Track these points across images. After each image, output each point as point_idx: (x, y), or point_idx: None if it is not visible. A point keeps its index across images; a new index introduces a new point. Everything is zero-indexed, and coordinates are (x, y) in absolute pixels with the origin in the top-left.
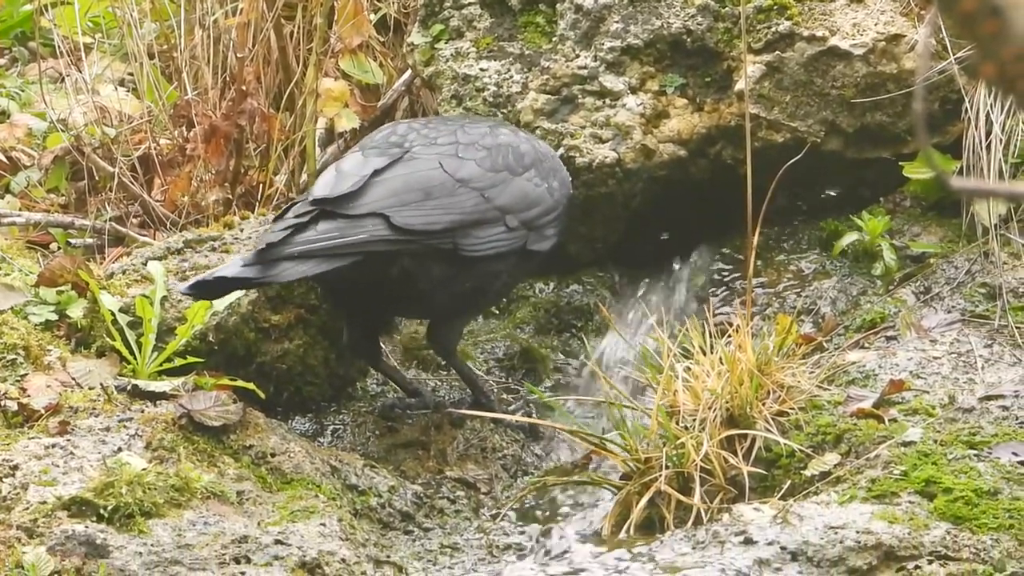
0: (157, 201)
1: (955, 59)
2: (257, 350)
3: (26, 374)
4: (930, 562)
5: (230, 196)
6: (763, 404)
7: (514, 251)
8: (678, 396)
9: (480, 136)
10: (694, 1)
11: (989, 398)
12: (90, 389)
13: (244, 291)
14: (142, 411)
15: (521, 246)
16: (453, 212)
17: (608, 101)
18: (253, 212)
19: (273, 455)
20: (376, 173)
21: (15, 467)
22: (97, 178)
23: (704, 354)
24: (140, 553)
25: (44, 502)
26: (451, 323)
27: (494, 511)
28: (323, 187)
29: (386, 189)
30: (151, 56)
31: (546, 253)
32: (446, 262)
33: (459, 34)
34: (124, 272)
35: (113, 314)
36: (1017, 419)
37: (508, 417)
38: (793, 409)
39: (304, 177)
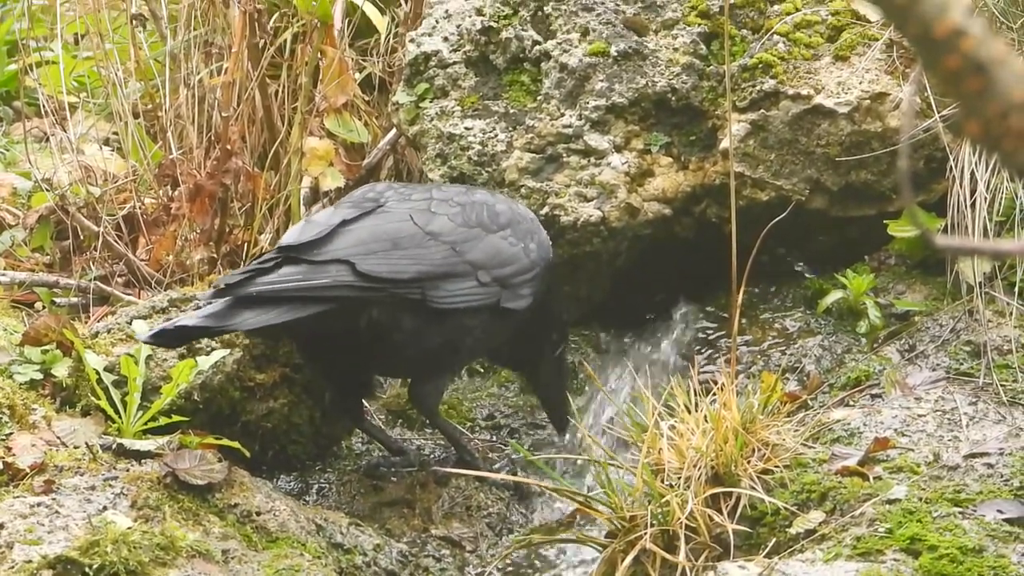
0: (142, 260)
1: (940, 117)
2: (242, 409)
3: (11, 433)
4: None
5: (215, 255)
6: (748, 462)
7: (486, 307)
8: (663, 454)
9: (455, 193)
10: (679, 60)
11: (974, 455)
12: (75, 448)
13: (226, 350)
14: (127, 470)
15: (494, 303)
16: (422, 263)
17: (593, 160)
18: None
19: (258, 513)
20: (344, 223)
21: (0, 526)
22: (82, 237)
23: (689, 412)
24: None
25: (29, 561)
26: (430, 382)
27: (479, 569)
28: (290, 235)
29: (353, 238)
30: (136, 115)
31: (527, 313)
32: (416, 314)
33: (444, 93)
34: (109, 331)
35: (98, 373)
36: (1002, 476)
37: (493, 475)
38: (778, 467)
39: None
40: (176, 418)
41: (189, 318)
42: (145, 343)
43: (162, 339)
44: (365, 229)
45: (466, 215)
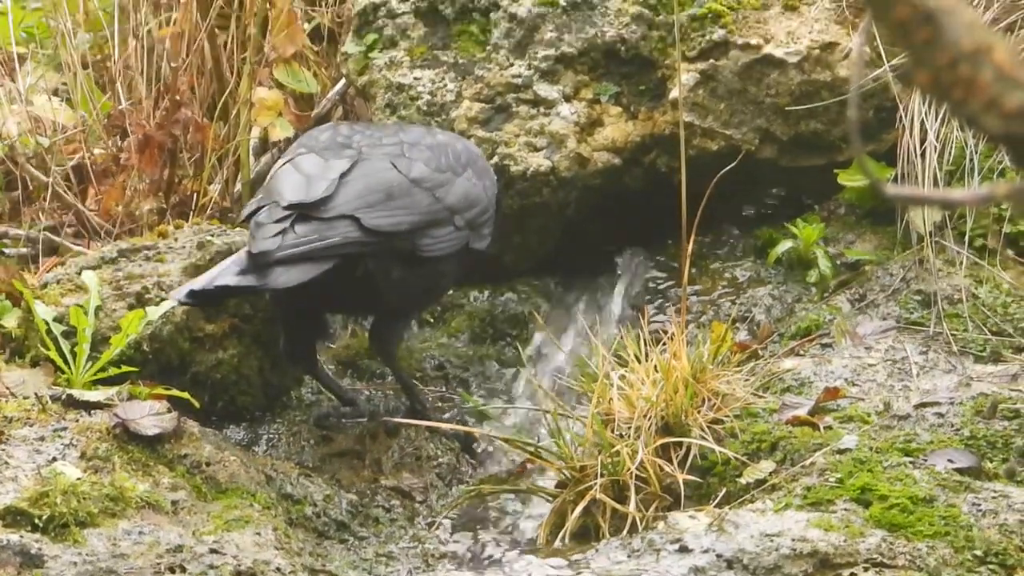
0: (91, 211)
1: (889, 67)
2: (191, 359)
3: None
4: (866, 569)
5: (164, 206)
6: (698, 412)
7: (459, 251)
8: (613, 404)
9: (420, 136)
10: (628, 10)
11: (924, 405)
12: (24, 399)
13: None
14: (76, 420)
15: (464, 245)
16: (413, 212)
17: (542, 110)
18: (187, 221)
19: (208, 464)
20: (342, 176)
21: None
22: (31, 188)
23: (639, 362)
24: (75, 563)
25: None
26: (395, 323)
27: (429, 520)
28: (294, 191)
29: (352, 191)
30: (85, 66)
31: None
32: (404, 263)
33: (393, 43)
34: (58, 282)
35: (47, 324)
36: (952, 426)
37: (443, 426)
38: (728, 417)
39: (238, 187)
40: (125, 368)
41: (226, 276)
42: (181, 303)
43: (199, 299)
44: (359, 181)
45: (437, 159)
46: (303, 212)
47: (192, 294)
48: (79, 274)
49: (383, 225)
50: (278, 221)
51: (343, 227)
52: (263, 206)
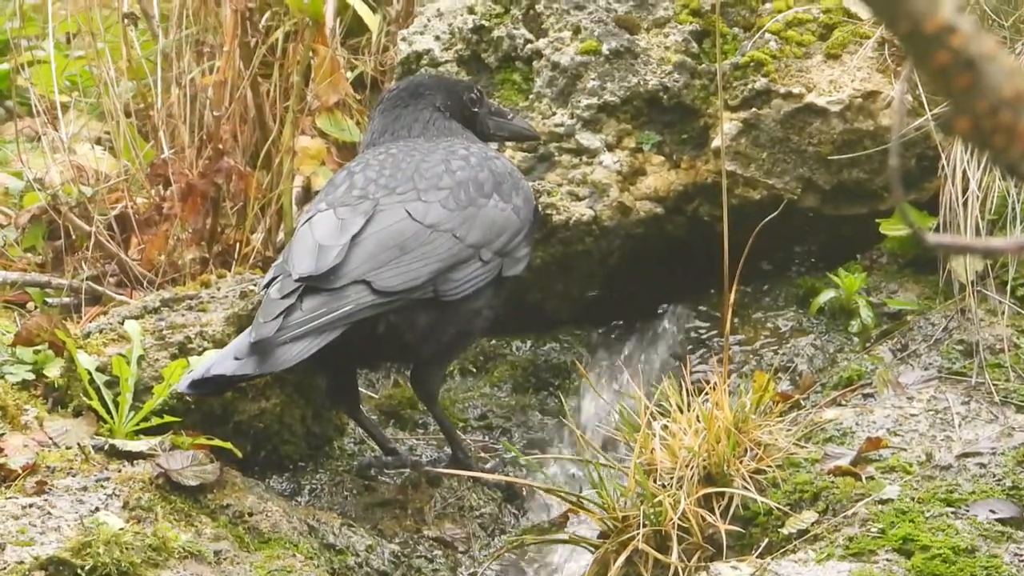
0: (134, 260)
1: (931, 115)
2: (234, 409)
3: (3, 434)
4: None
5: (207, 255)
6: (740, 462)
7: (490, 283)
8: (655, 454)
9: (438, 177)
10: (671, 58)
11: (966, 455)
12: (67, 449)
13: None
14: (119, 471)
15: (496, 276)
16: (431, 261)
17: (585, 159)
18: (230, 271)
19: (251, 514)
20: (353, 238)
21: None
22: (74, 237)
23: (681, 412)
24: None
25: (21, 562)
26: (435, 366)
27: (472, 570)
28: (304, 261)
29: (363, 253)
30: (128, 115)
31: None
32: (429, 310)
33: None
34: (101, 331)
35: (90, 373)
36: (994, 476)
37: (486, 475)
38: (770, 467)
39: (281, 236)
40: (168, 418)
41: (223, 365)
42: (183, 393)
43: (200, 388)
44: (371, 240)
45: (456, 196)
46: (312, 284)
47: (193, 384)
48: (122, 323)
49: (397, 284)
50: (286, 296)
51: (355, 294)
52: (277, 276)
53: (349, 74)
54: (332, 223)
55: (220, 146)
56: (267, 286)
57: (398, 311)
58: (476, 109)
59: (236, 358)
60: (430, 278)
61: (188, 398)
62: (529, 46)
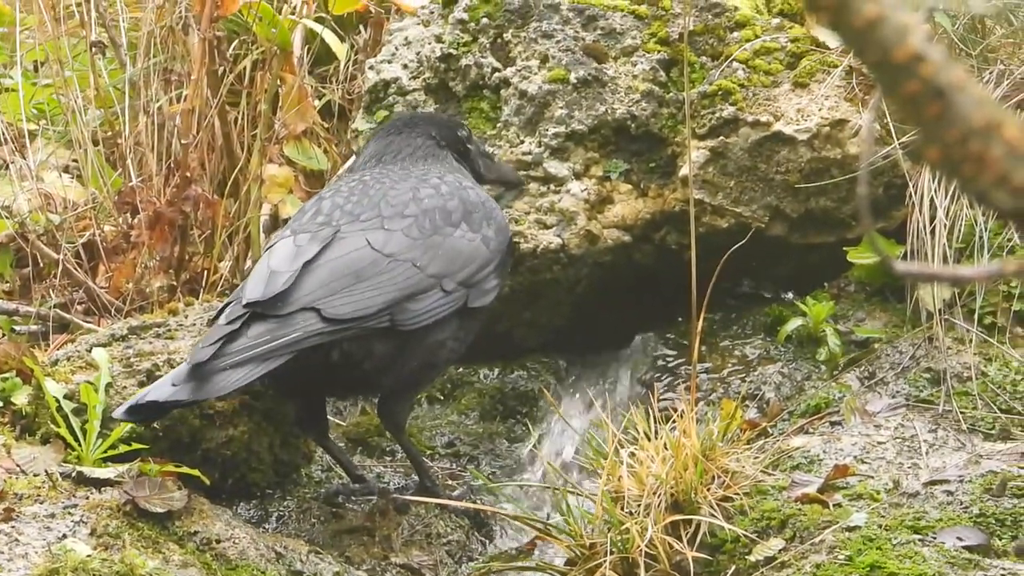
0: (102, 288)
1: (899, 144)
2: (202, 436)
3: None
4: None
5: (175, 283)
6: (708, 489)
7: (454, 314)
8: (623, 481)
9: (404, 205)
10: (638, 87)
11: (934, 483)
12: (35, 476)
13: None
14: (87, 498)
15: (462, 306)
16: (385, 291)
17: (552, 187)
18: (198, 298)
19: (218, 541)
20: (306, 264)
21: None
22: (42, 265)
23: (649, 439)
24: None
25: None
26: (402, 397)
27: None
28: (254, 287)
29: (315, 280)
30: (95, 143)
31: (488, 309)
32: (386, 339)
33: None
34: (69, 359)
35: (58, 401)
36: (961, 504)
37: (453, 503)
38: (738, 494)
39: (248, 263)
40: (136, 446)
41: (159, 391)
42: (119, 419)
43: (137, 415)
44: (325, 268)
45: (420, 225)
46: (259, 311)
47: (130, 410)
48: (89, 351)
49: (347, 312)
50: (232, 322)
51: (303, 321)
52: (229, 302)
53: (317, 102)
54: (289, 249)
55: (188, 174)
56: (219, 313)
57: (352, 339)
58: (469, 146)
59: (173, 384)
60: (384, 307)
61: (155, 424)
62: (497, 74)
